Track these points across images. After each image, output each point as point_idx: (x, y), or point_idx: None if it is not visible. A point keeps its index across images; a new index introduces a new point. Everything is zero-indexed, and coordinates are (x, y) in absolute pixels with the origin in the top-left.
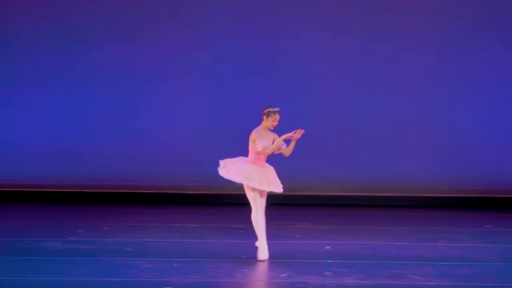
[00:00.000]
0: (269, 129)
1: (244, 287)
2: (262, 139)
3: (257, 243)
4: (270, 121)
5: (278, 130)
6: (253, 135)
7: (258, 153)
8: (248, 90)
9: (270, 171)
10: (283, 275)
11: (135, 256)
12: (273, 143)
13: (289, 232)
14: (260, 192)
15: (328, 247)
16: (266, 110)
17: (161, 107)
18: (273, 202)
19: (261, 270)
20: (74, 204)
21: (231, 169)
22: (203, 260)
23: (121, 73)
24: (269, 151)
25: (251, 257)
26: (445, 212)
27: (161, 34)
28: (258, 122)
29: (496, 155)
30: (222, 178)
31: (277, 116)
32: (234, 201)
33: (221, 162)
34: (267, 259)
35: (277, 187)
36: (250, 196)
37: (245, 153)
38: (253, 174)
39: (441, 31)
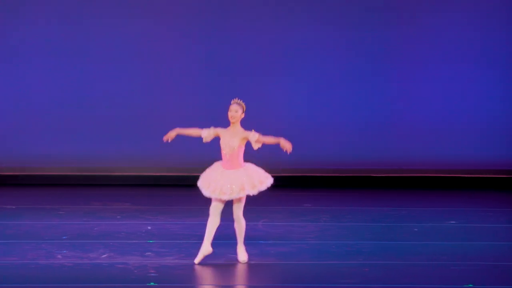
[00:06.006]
0: (233, 123)
1: (65, 269)
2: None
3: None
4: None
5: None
6: None
7: (222, 153)
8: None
9: (236, 173)
10: (104, 255)
11: None
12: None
13: (110, 212)
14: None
15: (149, 227)
16: None
17: None
18: (92, 183)
19: (82, 251)
20: None
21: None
22: (22, 242)
23: None
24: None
25: (71, 238)
26: (265, 191)
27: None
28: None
29: (312, 134)
30: (42, 158)
31: (231, 107)
32: (55, 182)
33: None
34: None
35: (223, 193)
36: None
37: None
38: (205, 177)
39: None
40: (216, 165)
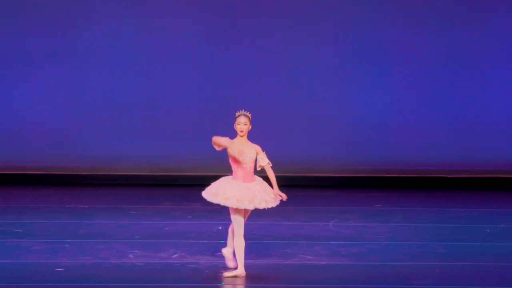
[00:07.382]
0: (242, 137)
1: (136, 268)
2: (227, 144)
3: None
4: (235, 126)
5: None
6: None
7: (237, 166)
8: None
9: (257, 186)
10: (175, 255)
11: (25, 237)
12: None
13: (180, 212)
14: (245, 212)
15: (220, 227)
16: None
17: (37, 88)
18: (159, 182)
19: (153, 251)
20: None
21: (211, 188)
22: (94, 241)
23: None
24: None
25: (143, 237)
26: (336, 191)
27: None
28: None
29: (384, 135)
30: (113, 158)
31: (239, 119)
32: (126, 182)
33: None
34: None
35: (260, 203)
36: (235, 218)
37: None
38: (230, 191)
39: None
40: (229, 180)
